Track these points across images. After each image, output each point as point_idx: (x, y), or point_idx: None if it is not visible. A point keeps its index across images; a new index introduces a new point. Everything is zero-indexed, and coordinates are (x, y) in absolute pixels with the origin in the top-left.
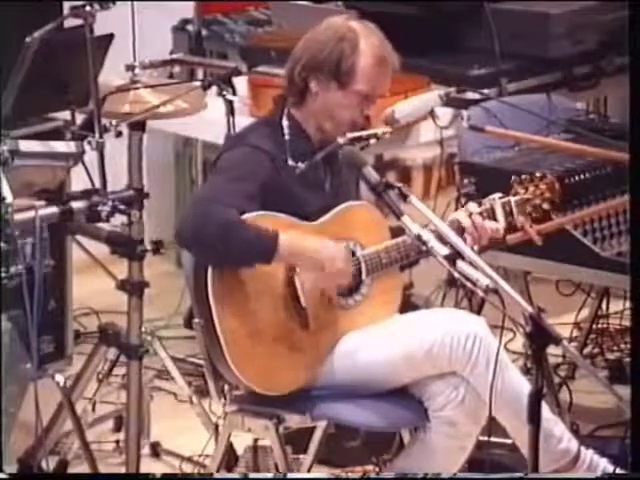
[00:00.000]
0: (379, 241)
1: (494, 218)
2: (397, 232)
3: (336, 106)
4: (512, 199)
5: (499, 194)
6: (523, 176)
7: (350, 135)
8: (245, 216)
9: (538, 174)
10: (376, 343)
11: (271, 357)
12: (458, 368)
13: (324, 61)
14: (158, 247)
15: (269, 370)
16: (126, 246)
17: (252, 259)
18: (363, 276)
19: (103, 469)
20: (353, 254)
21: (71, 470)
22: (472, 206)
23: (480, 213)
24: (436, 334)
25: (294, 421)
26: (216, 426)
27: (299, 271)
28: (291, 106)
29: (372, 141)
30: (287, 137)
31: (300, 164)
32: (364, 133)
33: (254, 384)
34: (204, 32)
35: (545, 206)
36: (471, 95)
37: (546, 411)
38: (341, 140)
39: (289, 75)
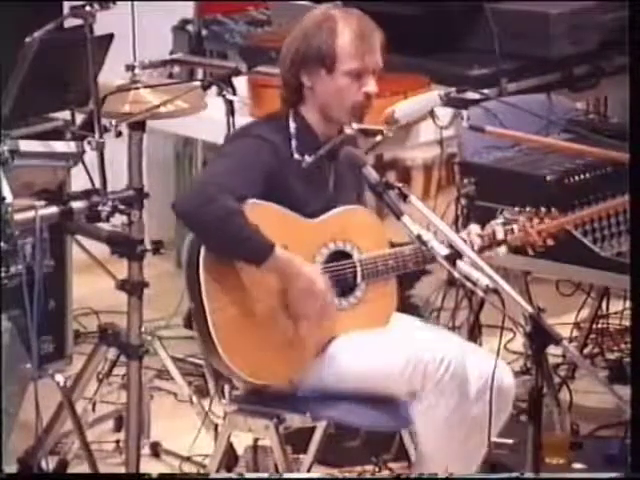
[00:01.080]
0: (376, 246)
1: (495, 240)
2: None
3: (333, 92)
4: (516, 229)
5: (502, 219)
6: (528, 208)
7: (356, 126)
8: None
9: (543, 209)
10: (358, 354)
11: (260, 347)
12: (427, 391)
13: (307, 52)
14: (158, 247)
15: (258, 359)
16: (126, 246)
17: (241, 255)
18: (358, 280)
19: (103, 469)
20: (350, 257)
21: (71, 470)
22: (474, 228)
23: (481, 236)
24: (411, 356)
25: (294, 421)
26: (216, 426)
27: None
28: (294, 106)
29: (378, 138)
30: (293, 132)
31: (306, 157)
32: (370, 127)
33: (243, 373)
34: (204, 32)
35: (549, 242)
36: (471, 95)
37: None
38: (348, 130)
39: (282, 76)
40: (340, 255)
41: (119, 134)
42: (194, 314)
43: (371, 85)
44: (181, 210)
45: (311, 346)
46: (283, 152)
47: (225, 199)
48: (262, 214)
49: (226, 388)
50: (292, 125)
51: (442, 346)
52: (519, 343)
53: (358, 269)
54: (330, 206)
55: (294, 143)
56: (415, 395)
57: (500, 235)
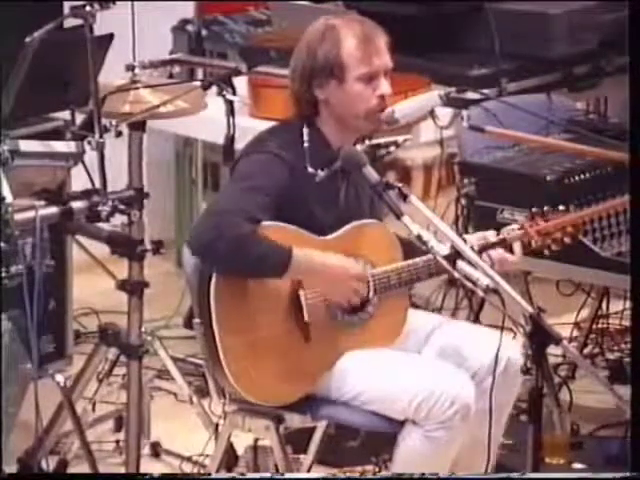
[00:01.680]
0: (390, 261)
1: (510, 248)
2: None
3: (347, 101)
4: (532, 232)
5: (517, 225)
6: (545, 208)
7: (369, 142)
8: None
9: (561, 207)
10: (370, 374)
11: (269, 368)
12: (430, 423)
13: (314, 65)
14: (158, 247)
15: (266, 381)
16: (126, 246)
17: (264, 273)
18: (370, 295)
19: (103, 469)
20: None
21: (71, 470)
22: (490, 234)
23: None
24: (423, 389)
25: (294, 421)
26: (216, 426)
27: (305, 285)
28: (309, 119)
29: (392, 148)
30: (307, 144)
31: (319, 172)
32: (383, 140)
33: (250, 394)
34: (204, 32)
35: (567, 240)
36: (471, 95)
37: None
38: (360, 147)
39: (294, 95)
40: None
41: (119, 134)
42: (204, 336)
43: (384, 87)
44: (196, 247)
45: (322, 363)
46: (296, 167)
47: (238, 227)
48: (273, 236)
49: (226, 388)
50: (306, 137)
51: (455, 385)
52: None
53: (370, 284)
54: (344, 220)
55: (308, 156)
56: (415, 422)
57: (517, 244)
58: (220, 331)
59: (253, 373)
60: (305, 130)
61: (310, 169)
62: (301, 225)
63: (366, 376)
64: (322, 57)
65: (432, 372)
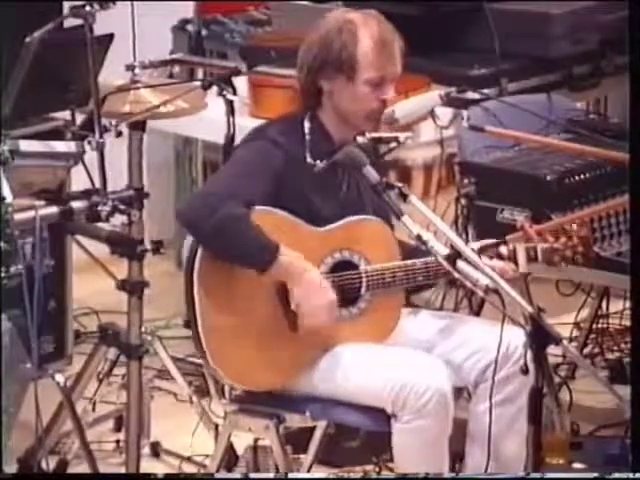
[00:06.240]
0: (387, 259)
1: (515, 260)
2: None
3: (351, 99)
4: (539, 246)
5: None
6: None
7: (369, 135)
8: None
9: (575, 226)
10: (351, 369)
11: (249, 352)
12: (407, 414)
13: (327, 57)
14: (158, 247)
15: (245, 364)
16: (126, 246)
17: (246, 261)
18: (362, 291)
19: (103, 469)
20: (356, 267)
21: (71, 470)
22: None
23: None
24: (398, 381)
25: (294, 421)
26: (216, 426)
27: None
28: (311, 109)
29: (392, 144)
30: (307, 135)
31: (319, 162)
32: (384, 135)
33: (227, 375)
34: (204, 32)
35: (577, 259)
36: (471, 95)
37: None
38: (360, 139)
39: (300, 82)
40: (347, 265)
41: (119, 134)
42: (188, 317)
43: (389, 92)
44: (184, 220)
45: (307, 354)
46: (295, 156)
47: (228, 207)
48: (266, 222)
49: (226, 388)
50: (307, 128)
51: (430, 376)
52: None
53: (363, 280)
54: (345, 212)
55: (308, 146)
56: (395, 415)
57: (521, 253)
58: (201, 311)
59: (232, 354)
60: (306, 120)
61: (309, 159)
62: (299, 214)
63: (347, 370)
64: (337, 50)
65: (406, 362)
